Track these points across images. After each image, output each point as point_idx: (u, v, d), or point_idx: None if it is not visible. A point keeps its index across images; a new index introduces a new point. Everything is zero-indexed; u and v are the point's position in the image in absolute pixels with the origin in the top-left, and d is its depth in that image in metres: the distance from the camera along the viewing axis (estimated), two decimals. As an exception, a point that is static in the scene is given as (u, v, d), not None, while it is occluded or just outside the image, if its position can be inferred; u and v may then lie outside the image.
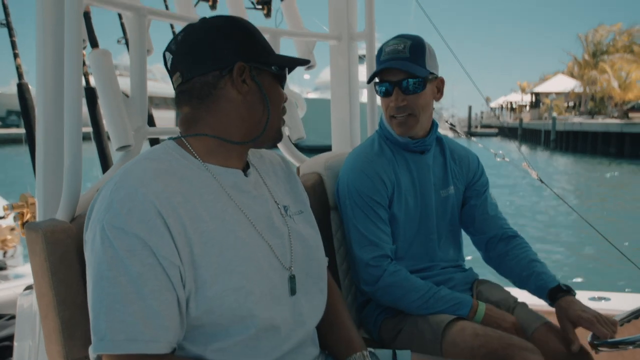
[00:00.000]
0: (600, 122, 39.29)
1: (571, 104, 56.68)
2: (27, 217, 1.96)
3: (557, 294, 1.80)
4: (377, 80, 1.88)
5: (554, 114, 46.55)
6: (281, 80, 1.28)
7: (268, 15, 2.56)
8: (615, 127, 35.77)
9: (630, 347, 1.54)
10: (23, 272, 3.55)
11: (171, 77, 1.24)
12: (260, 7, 2.54)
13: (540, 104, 59.50)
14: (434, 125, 1.97)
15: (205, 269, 1.09)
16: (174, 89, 1.24)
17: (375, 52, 2.42)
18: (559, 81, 58.19)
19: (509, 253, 1.99)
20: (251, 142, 1.25)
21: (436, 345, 1.69)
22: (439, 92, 1.92)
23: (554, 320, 1.82)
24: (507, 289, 2.05)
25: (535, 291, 1.88)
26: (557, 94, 54.85)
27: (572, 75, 54.05)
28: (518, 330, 1.74)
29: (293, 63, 1.32)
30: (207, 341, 1.13)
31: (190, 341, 1.12)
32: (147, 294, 1.03)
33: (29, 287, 1.77)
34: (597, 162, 30.83)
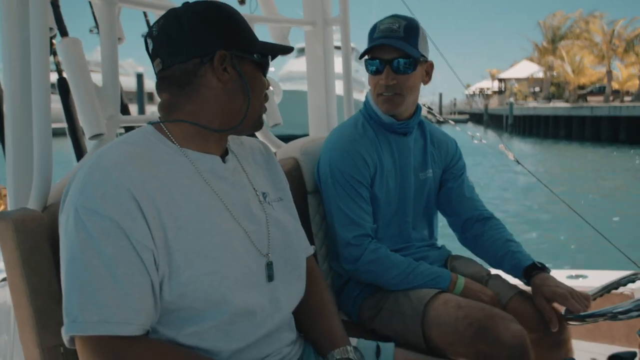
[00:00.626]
0: (551, 107, 41.32)
1: (537, 89, 57.94)
2: (1, 209, 1.94)
3: (532, 271, 1.83)
4: (367, 57, 1.88)
5: (511, 99, 48.11)
6: (264, 68, 1.27)
7: (242, 2, 2.54)
8: (563, 111, 37.95)
9: (601, 319, 1.57)
10: (2, 267, 3.52)
11: (152, 63, 1.23)
12: (234, -7, 2.52)
13: (505, 90, 60.63)
14: (418, 108, 1.99)
15: (179, 253, 1.09)
16: (155, 74, 1.23)
17: (349, 38, 2.45)
18: (523, 67, 59.30)
19: (484, 234, 2.02)
20: (230, 130, 1.24)
21: (417, 320, 1.72)
22: (427, 75, 1.94)
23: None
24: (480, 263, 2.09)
25: (510, 270, 1.91)
26: (517, 79, 56.02)
27: (534, 61, 55.26)
28: (495, 304, 1.78)
29: (276, 51, 1.30)
30: (181, 325, 1.13)
31: (164, 325, 1.13)
32: (119, 276, 1.03)
33: (4, 279, 1.76)
34: (548, 145, 32.69)
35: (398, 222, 1.97)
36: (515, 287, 1.89)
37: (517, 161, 2.85)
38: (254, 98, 1.24)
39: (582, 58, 45.89)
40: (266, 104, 1.32)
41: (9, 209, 1.48)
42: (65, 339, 1.07)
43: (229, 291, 1.14)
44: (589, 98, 44.31)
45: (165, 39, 1.19)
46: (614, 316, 1.53)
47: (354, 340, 1.42)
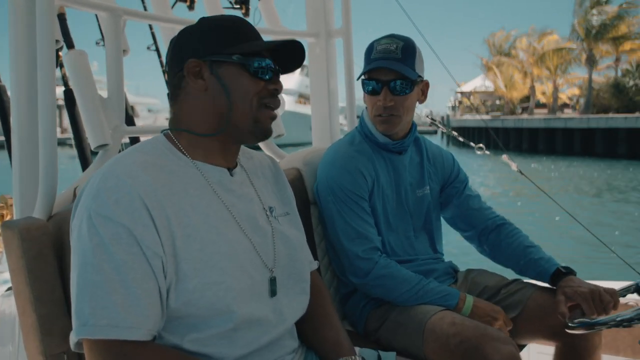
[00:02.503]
0: (475, 119, 44.80)
1: (498, 102, 61.29)
2: (8, 218, 1.96)
3: (559, 277, 1.83)
4: (364, 77, 1.89)
5: (448, 112, 51.30)
6: (249, 69, 1.22)
7: (246, 14, 2.57)
8: (481, 123, 41.01)
9: (603, 327, 1.56)
10: (9, 277, 3.53)
11: None
12: (238, 6, 2.56)
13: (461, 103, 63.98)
14: (413, 126, 2.01)
15: (187, 261, 1.11)
16: None
17: (352, 49, 2.48)
18: (479, 81, 62.18)
19: (501, 242, 2.02)
20: (219, 134, 1.23)
21: (419, 334, 1.71)
22: (423, 95, 1.95)
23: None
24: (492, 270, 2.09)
25: (537, 277, 1.91)
26: (462, 93, 58.78)
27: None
28: (506, 320, 1.78)
29: (261, 46, 1.24)
30: (185, 332, 1.14)
31: (169, 331, 1.14)
32: (130, 281, 1.05)
33: (10, 288, 1.78)
34: (464, 152, 35.89)
35: (399, 236, 1.98)
36: (536, 285, 1.89)
37: (520, 171, 2.85)
38: (238, 100, 1.22)
39: (513, 74, 49.49)
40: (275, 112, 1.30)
41: (15, 217, 1.50)
42: (72, 342, 1.09)
43: (233, 301, 1.15)
44: (536, 111, 47.74)
45: (166, 58, 1.28)
46: (616, 324, 1.52)
47: (356, 349, 1.42)
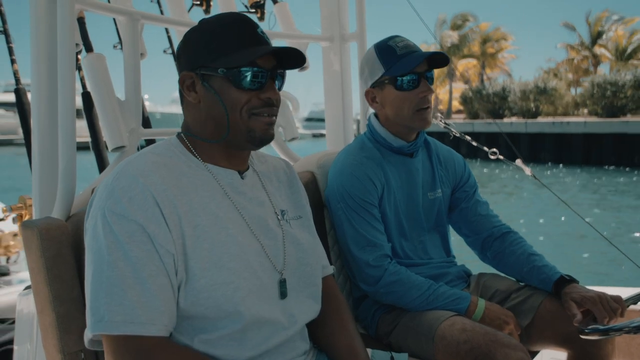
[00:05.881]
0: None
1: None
2: (26, 218, 1.98)
3: (562, 284, 1.82)
4: (398, 75, 1.83)
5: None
6: (238, 82, 1.20)
7: (262, 18, 2.59)
8: None
9: (618, 333, 1.55)
10: (26, 277, 3.59)
11: None
12: (253, 10, 2.57)
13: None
14: None
15: (196, 261, 1.13)
16: None
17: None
18: None
19: (505, 250, 2.01)
20: (222, 141, 1.24)
21: (430, 340, 1.71)
22: None
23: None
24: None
25: (539, 284, 1.90)
26: None
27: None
28: (516, 325, 1.77)
29: (244, 60, 1.19)
30: (194, 333, 1.16)
31: (179, 332, 1.16)
32: (144, 278, 1.07)
33: (28, 287, 1.81)
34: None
35: (412, 240, 1.98)
36: (547, 292, 1.88)
37: (534, 176, 2.83)
38: (230, 111, 1.21)
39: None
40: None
41: (34, 217, 1.53)
42: (86, 339, 1.11)
43: (241, 302, 1.16)
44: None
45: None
46: (631, 330, 1.51)
47: (369, 351, 1.43)
